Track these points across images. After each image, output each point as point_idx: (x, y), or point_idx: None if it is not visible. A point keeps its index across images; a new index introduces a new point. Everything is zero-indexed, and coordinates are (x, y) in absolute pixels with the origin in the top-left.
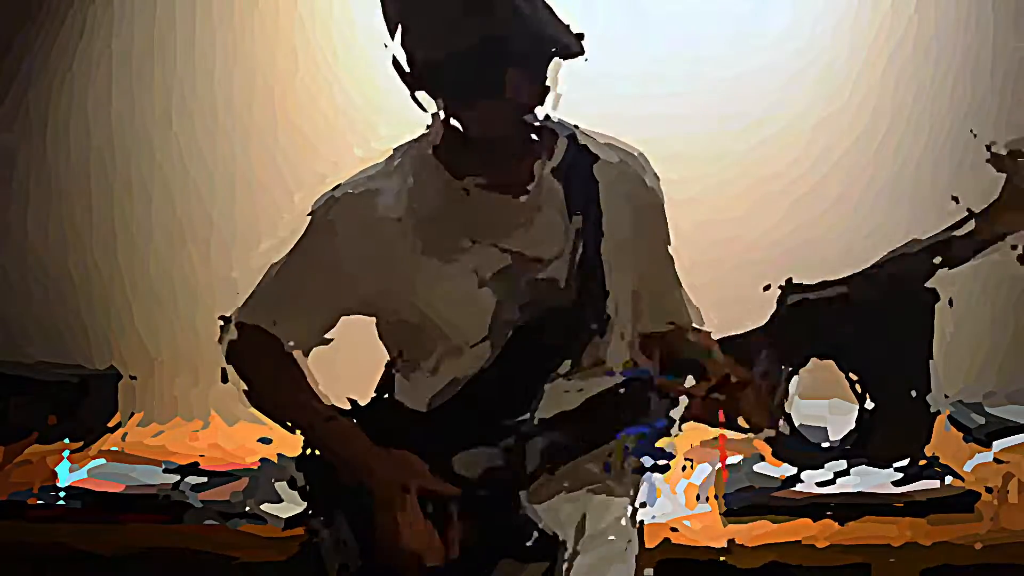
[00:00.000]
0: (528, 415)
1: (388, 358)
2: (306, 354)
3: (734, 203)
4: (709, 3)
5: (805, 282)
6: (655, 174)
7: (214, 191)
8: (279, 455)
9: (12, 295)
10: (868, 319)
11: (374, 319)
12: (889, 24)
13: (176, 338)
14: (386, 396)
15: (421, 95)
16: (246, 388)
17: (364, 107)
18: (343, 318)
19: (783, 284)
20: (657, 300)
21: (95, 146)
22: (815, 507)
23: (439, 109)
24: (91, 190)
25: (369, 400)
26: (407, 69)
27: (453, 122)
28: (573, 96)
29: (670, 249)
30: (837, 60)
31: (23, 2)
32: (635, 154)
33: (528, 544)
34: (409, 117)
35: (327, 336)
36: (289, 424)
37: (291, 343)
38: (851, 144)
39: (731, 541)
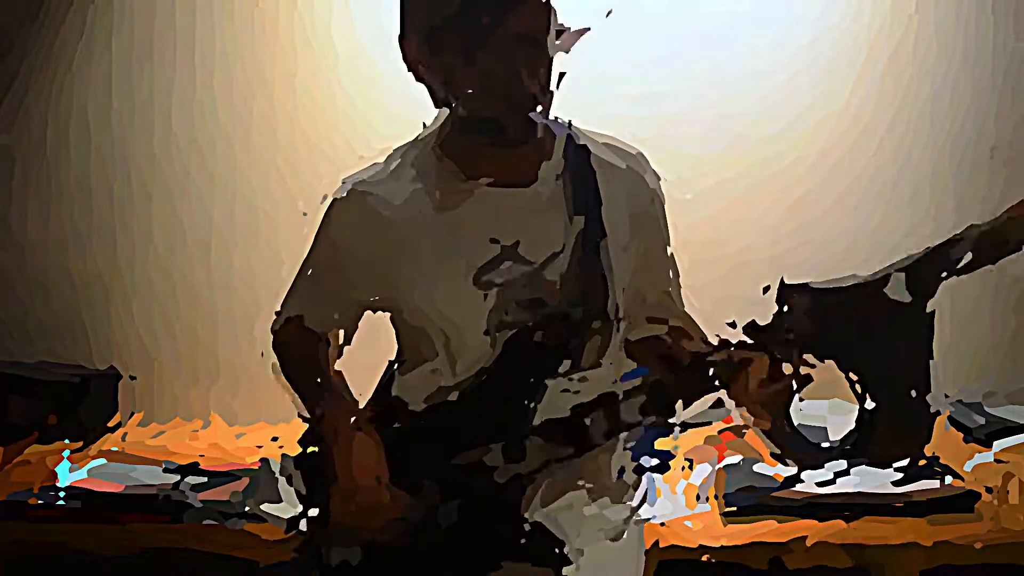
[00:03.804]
0: (527, 416)
1: (384, 357)
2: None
3: (734, 203)
4: (709, 3)
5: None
6: (655, 174)
7: (214, 191)
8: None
9: (12, 295)
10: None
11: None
12: (889, 24)
13: (176, 338)
14: (387, 395)
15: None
16: (281, 374)
17: (364, 107)
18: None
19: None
20: (655, 299)
21: (95, 146)
22: (815, 507)
23: (442, 91)
24: (91, 190)
25: (370, 398)
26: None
27: (459, 110)
28: (572, 96)
29: (669, 250)
30: (837, 60)
31: (23, 2)
32: (634, 154)
33: (528, 545)
34: (409, 117)
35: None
36: (305, 413)
37: (324, 331)
38: (851, 144)
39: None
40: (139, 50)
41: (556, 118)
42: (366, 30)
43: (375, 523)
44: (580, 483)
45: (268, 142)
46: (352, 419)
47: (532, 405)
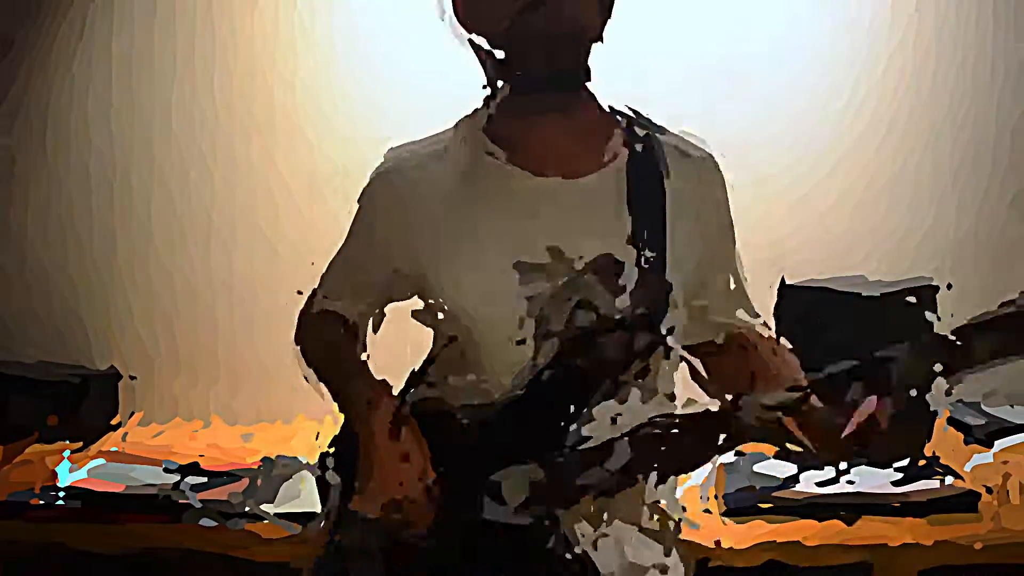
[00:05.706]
0: (571, 435)
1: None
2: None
3: (734, 203)
4: (708, 3)
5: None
6: (719, 170)
7: (214, 191)
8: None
9: (12, 295)
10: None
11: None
12: (889, 24)
13: (176, 338)
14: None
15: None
16: (303, 358)
17: (364, 106)
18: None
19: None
20: (716, 304)
21: (95, 146)
22: (815, 507)
23: (497, 55)
24: (91, 190)
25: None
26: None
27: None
28: None
29: (736, 247)
30: (837, 60)
31: (23, 2)
32: (705, 154)
33: (566, 570)
34: (409, 116)
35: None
36: (334, 397)
37: (352, 318)
38: (851, 144)
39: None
40: (139, 50)
41: (613, 107)
42: (366, 29)
43: (411, 521)
44: (618, 509)
45: (268, 142)
46: (396, 412)
47: (578, 424)
